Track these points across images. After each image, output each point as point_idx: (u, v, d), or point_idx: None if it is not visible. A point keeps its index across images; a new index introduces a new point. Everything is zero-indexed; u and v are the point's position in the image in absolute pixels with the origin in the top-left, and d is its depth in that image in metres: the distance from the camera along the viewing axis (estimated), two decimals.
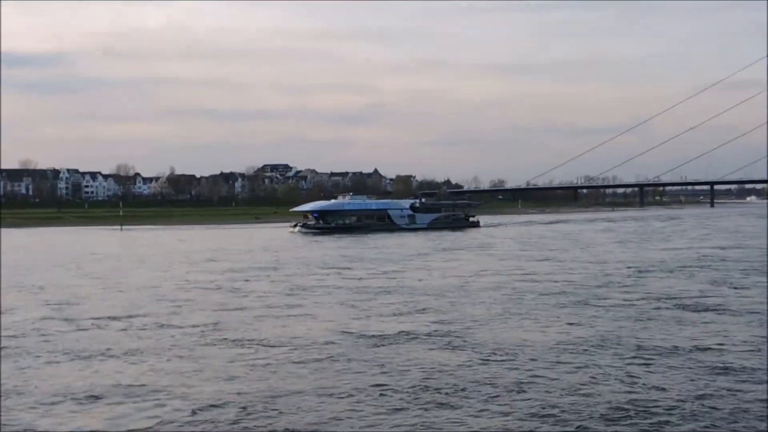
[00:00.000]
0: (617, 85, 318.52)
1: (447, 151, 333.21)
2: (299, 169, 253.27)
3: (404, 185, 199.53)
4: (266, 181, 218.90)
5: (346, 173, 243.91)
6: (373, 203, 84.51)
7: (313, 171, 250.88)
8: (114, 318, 19.21)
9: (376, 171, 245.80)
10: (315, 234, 74.01)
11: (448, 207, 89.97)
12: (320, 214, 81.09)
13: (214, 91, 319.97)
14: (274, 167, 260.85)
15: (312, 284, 26.68)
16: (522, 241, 50.14)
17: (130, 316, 19.37)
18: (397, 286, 25.61)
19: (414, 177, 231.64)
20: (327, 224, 79.53)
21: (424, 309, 20.26)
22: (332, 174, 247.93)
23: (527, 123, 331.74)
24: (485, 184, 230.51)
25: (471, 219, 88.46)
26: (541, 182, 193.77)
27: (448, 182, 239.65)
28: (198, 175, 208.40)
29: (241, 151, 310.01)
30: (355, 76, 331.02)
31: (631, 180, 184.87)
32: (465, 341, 15.82)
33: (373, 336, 16.34)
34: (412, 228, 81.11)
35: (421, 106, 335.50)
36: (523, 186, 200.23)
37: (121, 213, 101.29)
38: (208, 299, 22.42)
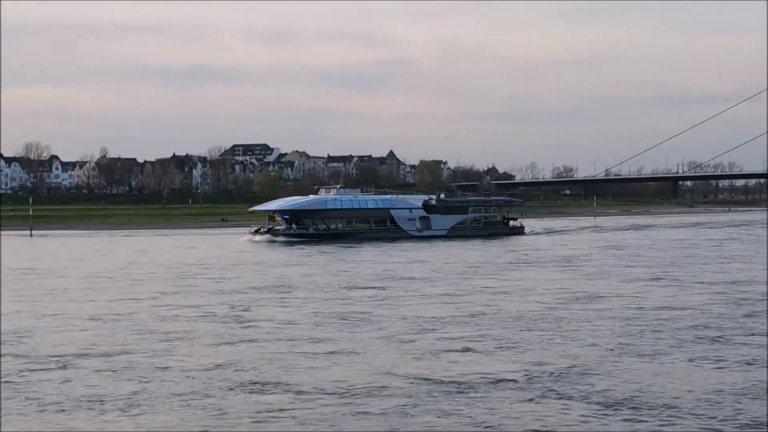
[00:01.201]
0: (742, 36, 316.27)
1: (493, 128, 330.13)
2: (283, 151, 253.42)
3: (431, 174, 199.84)
4: (237, 168, 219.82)
5: (350, 157, 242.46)
6: (370, 200, 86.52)
7: (303, 154, 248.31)
8: (82, 355, 21.00)
9: (392, 155, 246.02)
10: (285, 243, 75.90)
11: (479, 205, 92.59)
12: (292, 215, 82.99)
13: (161, 42, 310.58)
14: (248, 149, 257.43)
15: (338, 309, 29.65)
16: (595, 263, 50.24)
17: (106, 354, 21.23)
18: (455, 312, 28.20)
19: (445, 163, 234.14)
20: (302, 229, 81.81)
21: (503, 342, 22.29)
22: (330, 158, 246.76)
23: (609, 88, 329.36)
24: (546, 174, 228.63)
25: (511, 223, 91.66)
26: (626, 171, 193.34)
27: (492, 171, 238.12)
28: (141, 160, 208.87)
29: (200, 127, 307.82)
30: (364, 20, 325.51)
31: (759, 168, 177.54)
32: (572, 388, 16.85)
33: (442, 381, 17.71)
34: (424, 236, 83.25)
35: (459, 65, 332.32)
36: (600, 176, 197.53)
37: (30, 212, 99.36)
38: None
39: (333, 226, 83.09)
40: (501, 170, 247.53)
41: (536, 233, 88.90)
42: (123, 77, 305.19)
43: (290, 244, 75.67)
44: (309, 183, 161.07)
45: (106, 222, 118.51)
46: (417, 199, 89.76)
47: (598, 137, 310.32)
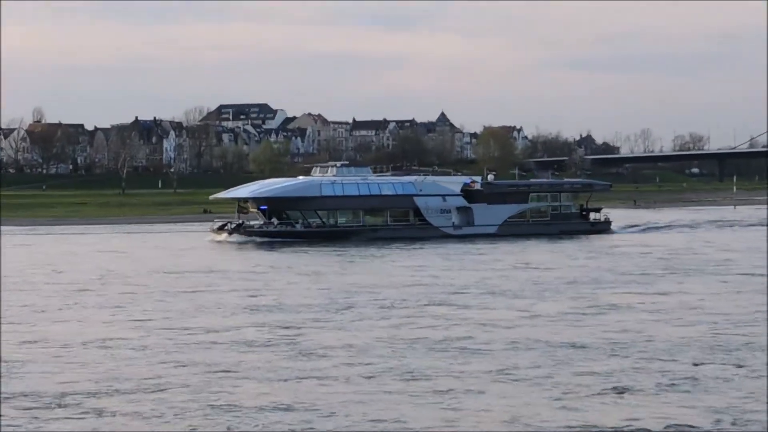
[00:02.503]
0: None
1: (587, 80, 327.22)
2: (290, 114, 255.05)
3: (500, 146, 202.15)
4: (226, 138, 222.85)
5: (384, 123, 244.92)
6: (384, 183, 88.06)
7: (319, 118, 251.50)
8: (101, 393, 22.78)
9: (443, 119, 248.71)
10: (261, 245, 77.82)
11: (544, 191, 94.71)
12: (272, 205, 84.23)
13: None
14: (241, 111, 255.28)
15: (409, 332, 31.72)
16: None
17: (135, 390, 23.15)
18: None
19: (519, 130, 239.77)
20: (287, 226, 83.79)
21: None
22: (356, 124, 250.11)
23: (754, 23, 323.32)
24: (665, 145, 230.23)
25: (592, 216, 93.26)
26: None
27: (587, 141, 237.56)
28: (90, 126, 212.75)
29: (175, 80, 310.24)
30: None
31: None
32: None
33: None
34: (463, 234, 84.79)
35: None
36: (742, 147, 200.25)
37: None
38: None
39: (331, 221, 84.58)
40: (599, 140, 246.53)
41: (649, 228, 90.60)
42: (61, 7, 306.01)
43: (269, 246, 77.05)
44: (323, 159, 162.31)
45: (42, 214, 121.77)
46: (454, 182, 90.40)
47: (739, 94, 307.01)
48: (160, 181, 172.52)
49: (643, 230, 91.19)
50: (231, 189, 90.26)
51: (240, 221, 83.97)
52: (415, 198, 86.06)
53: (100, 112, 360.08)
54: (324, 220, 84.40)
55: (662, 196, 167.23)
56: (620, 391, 22.35)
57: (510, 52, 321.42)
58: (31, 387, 23.46)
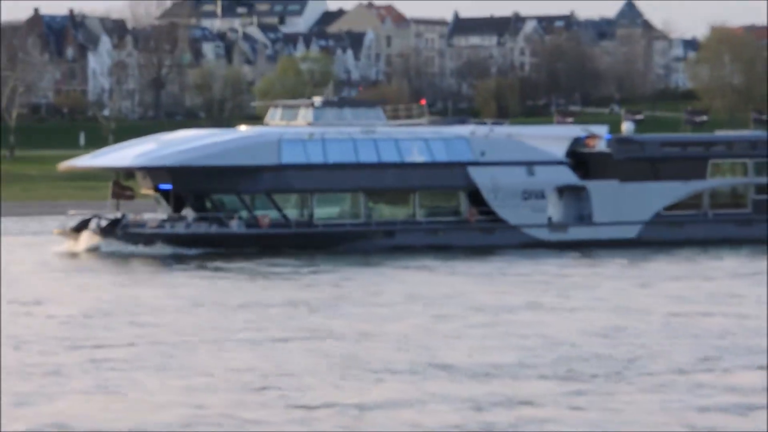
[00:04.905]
0: None
1: None
2: (333, 6, 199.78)
3: (746, 63, 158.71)
4: (208, 48, 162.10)
5: (518, 21, 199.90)
6: (408, 140, 66.48)
7: (387, 11, 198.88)
8: None
9: (630, 13, 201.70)
10: (157, 266, 60.58)
11: (740, 154, 71.62)
12: (182, 182, 64.40)
13: None
14: None
15: None
16: None
17: None
18: None
19: None
20: (210, 223, 63.45)
21: None
22: (459, 24, 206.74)
23: None
24: None
25: None
26: None
27: None
28: None
29: None
30: None
31: None
32: None
33: None
34: (570, 242, 65.95)
35: None
36: None
37: None
38: None
39: (301, 215, 63.36)
40: None
41: None
42: None
43: (175, 265, 58.15)
44: (397, 93, 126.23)
45: None
46: (552, 137, 68.83)
47: None
48: (82, 134, 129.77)
49: None
50: (104, 150, 70.27)
51: (118, 214, 62.68)
52: (471, 169, 64.26)
53: None
54: (287, 212, 62.61)
55: None
56: None
57: None
58: None
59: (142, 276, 55.67)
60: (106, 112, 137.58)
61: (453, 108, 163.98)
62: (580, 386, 30.21)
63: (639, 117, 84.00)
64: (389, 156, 65.21)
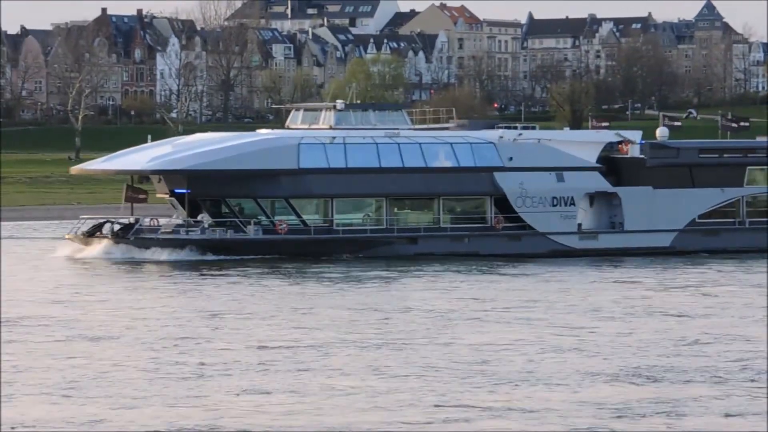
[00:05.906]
0: None
1: None
2: (403, 7, 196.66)
3: None
4: (278, 50, 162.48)
5: (593, 22, 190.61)
6: (434, 144, 64.64)
7: (461, 12, 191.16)
8: None
9: (709, 14, 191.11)
10: (172, 274, 59.34)
11: None
12: (198, 186, 62.31)
13: None
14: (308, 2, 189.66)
15: None
16: None
17: None
18: None
19: None
20: (227, 229, 62.21)
21: None
22: (534, 25, 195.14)
23: None
24: None
25: None
26: None
27: None
28: (14, 28, 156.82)
29: None
30: None
31: None
32: None
33: None
34: (601, 250, 64.33)
35: None
36: None
37: None
38: None
39: (321, 220, 62.39)
40: None
41: None
42: None
43: (193, 274, 56.30)
44: (469, 96, 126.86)
45: None
46: (583, 143, 66.06)
47: None
48: (149, 137, 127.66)
49: None
50: (118, 154, 68.06)
51: (132, 219, 62.29)
52: (497, 175, 62.80)
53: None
54: (307, 217, 62.04)
55: None
56: None
57: None
58: None
59: (154, 288, 53.43)
60: (173, 115, 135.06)
61: (526, 112, 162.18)
62: None
63: (677, 123, 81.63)
64: (413, 161, 63.49)
